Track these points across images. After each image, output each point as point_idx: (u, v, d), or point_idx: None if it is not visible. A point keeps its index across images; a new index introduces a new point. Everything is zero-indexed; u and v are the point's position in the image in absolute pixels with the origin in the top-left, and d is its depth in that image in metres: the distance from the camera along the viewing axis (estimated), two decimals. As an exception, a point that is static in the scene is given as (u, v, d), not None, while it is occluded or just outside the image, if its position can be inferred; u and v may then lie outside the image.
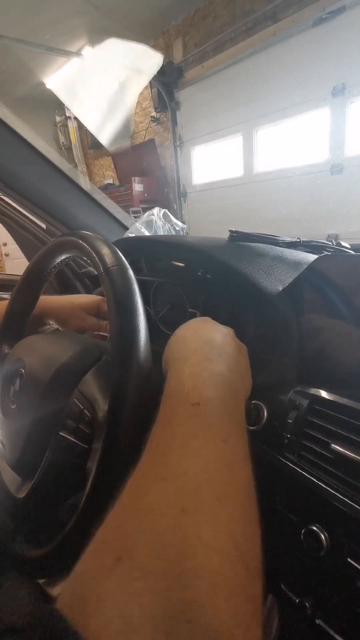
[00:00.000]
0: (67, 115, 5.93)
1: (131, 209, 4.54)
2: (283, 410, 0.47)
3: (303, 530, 0.40)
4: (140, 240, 0.61)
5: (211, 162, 4.28)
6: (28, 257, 1.25)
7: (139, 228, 0.83)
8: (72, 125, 5.92)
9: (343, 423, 0.41)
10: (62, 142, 6.39)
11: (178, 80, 4.18)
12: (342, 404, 0.42)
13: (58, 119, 6.09)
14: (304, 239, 0.60)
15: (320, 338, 0.50)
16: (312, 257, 0.62)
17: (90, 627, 0.17)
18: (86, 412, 0.38)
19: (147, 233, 0.84)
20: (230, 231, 0.58)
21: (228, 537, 0.21)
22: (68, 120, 5.91)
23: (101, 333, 0.69)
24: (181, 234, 0.94)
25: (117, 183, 5.73)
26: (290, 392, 0.48)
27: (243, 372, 0.39)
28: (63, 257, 0.51)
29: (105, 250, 0.43)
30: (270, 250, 0.59)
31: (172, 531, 0.20)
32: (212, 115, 3.94)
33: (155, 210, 0.85)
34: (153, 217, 0.83)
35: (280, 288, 0.50)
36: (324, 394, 0.44)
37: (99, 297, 0.68)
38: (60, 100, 5.02)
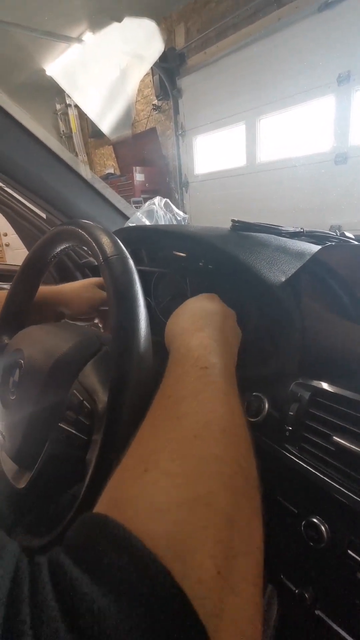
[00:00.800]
0: (68, 103, 5.84)
1: (132, 199, 4.50)
2: (284, 402, 0.47)
3: (303, 522, 0.40)
4: (140, 229, 0.60)
5: (213, 151, 4.22)
6: (28, 247, 1.24)
7: (139, 218, 0.82)
8: (72, 113, 5.83)
9: (345, 415, 0.41)
10: (63, 131, 6.31)
11: (180, 67, 4.10)
12: (344, 396, 0.42)
13: (58, 106, 6.01)
14: (308, 229, 0.59)
15: (323, 329, 0.50)
16: (315, 248, 0.62)
17: (125, 515, 0.20)
18: (86, 403, 0.38)
19: (148, 223, 0.83)
20: (233, 221, 0.57)
21: (232, 457, 0.25)
22: (68, 108, 5.83)
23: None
24: (182, 224, 0.93)
25: (118, 173, 5.67)
26: (291, 384, 0.47)
27: (236, 341, 0.45)
28: (62, 246, 0.50)
29: (105, 240, 0.42)
30: (273, 240, 0.58)
31: (189, 447, 0.25)
32: (215, 103, 3.88)
33: (157, 199, 0.84)
34: (154, 206, 0.82)
35: (283, 279, 0.49)
36: (325, 386, 0.44)
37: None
38: (60, 88, 4.93)
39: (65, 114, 5.90)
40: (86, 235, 0.45)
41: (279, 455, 0.44)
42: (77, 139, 6.21)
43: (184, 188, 4.58)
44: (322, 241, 0.62)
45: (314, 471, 0.40)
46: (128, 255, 0.41)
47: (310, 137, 3.21)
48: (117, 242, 0.43)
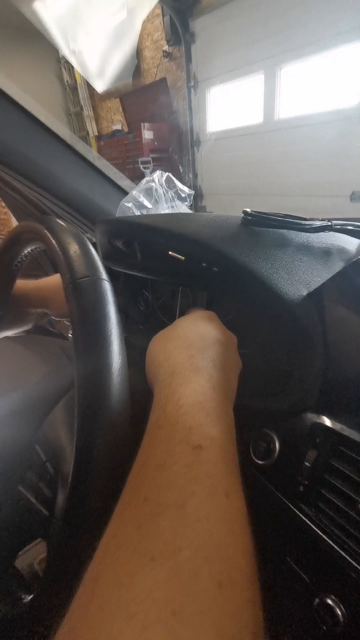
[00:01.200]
0: (72, 49, 5.38)
1: (140, 159, 4.24)
2: (299, 445, 0.39)
3: (316, 601, 0.34)
4: (131, 223, 0.49)
5: (228, 106, 3.88)
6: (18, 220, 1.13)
7: (136, 197, 0.70)
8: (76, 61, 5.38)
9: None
10: (67, 81, 5.89)
11: (193, 6, 3.67)
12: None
13: (62, 54, 5.54)
14: (336, 222, 0.48)
15: (353, 352, 0.40)
16: (347, 243, 0.51)
17: None
18: (49, 466, 0.30)
19: (146, 202, 0.71)
20: (245, 213, 0.46)
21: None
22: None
23: None
24: (187, 201, 0.81)
25: (125, 129, 5.33)
26: (309, 423, 0.39)
27: (236, 377, 0.36)
28: (28, 249, 0.40)
29: (74, 250, 0.33)
30: (294, 237, 0.47)
31: (168, 614, 0.16)
32: (231, 50, 3.49)
33: (156, 175, 0.72)
34: (153, 184, 0.70)
35: (305, 292, 0.39)
36: (353, 434, 0.35)
37: None
38: (63, 33, 4.52)
39: (69, 62, 5.44)
40: (52, 241, 0.35)
41: (290, 514, 0.36)
42: (82, 90, 5.79)
43: (195, 147, 4.27)
44: (355, 236, 0.51)
45: (330, 542, 0.33)
46: (105, 277, 0.32)
47: (336, 91, 2.88)
48: (92, 255, 0.33)
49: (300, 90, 3.17)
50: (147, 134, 4.36)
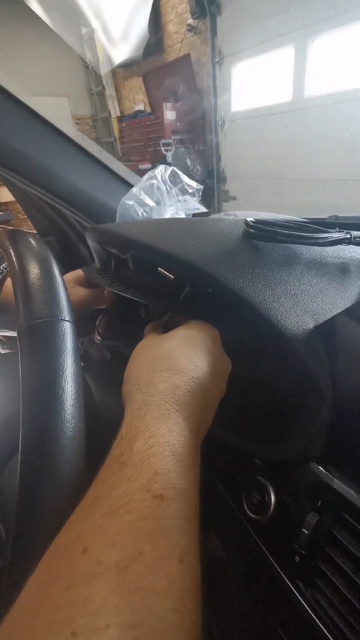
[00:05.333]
0: (94, 26, 5.21)
1: (162, 141, 4.11)
2: (298, 506, 0.33)
3: None
4: (118, 236, 0.44)
5: (254, 84, 3.66)
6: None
7: (137, 194, 0.64)
8: (98, 38, 5.22)
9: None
10: (89, 59, 5.73)
11: (220, -26, 3.45)
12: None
13: (84, 30, 5.38)
14: (356, 233, 0.41)
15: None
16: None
17: None
18: (1, 527, 0.26)
19: (148, 200, 0.65)
20: (247, 224, 0.39)
21: None
22: (94, 33, 5.21)
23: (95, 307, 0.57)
24: (195, 197, 0.74)
25: (148, 109, 5.18)
26: (310, 479, 0.33)
27: (206, 426, 0.30)
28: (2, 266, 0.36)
29: (33, 281, 0.28)
30: (305, 252, 0.40)
31: None
32: (259, 21, 3.26)
33: (159, 170, 0.65)
34: (155, 181, 0.63)
35: (311, 325, 0.33)
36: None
37: (81, 273, 0.57)
38: (84, 8, 4.39)
39: (91, 39, 5.29)
40: (14, 262, 0.30)
41: (283, 586, 0.31)
42: (105, 68, 5.64)
43: (219, 128, 4.09)
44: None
45: (326, 633, 0.28)
46: (67, 317, 0.27)
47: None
48: (56, 287, 0.28)
49: (334, 65, 2.93)
50: (170, 115, 4.21)
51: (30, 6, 3.53)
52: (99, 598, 0.15)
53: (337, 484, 0.31)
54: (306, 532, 0.31)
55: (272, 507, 0.34)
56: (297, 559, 0.31)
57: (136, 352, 0.33)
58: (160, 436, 0.23)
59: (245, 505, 0.36)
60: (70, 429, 0.23)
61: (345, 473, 0.32)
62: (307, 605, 0.30)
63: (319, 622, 0.28)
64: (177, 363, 0.29)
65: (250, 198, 4.03)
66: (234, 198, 4.32)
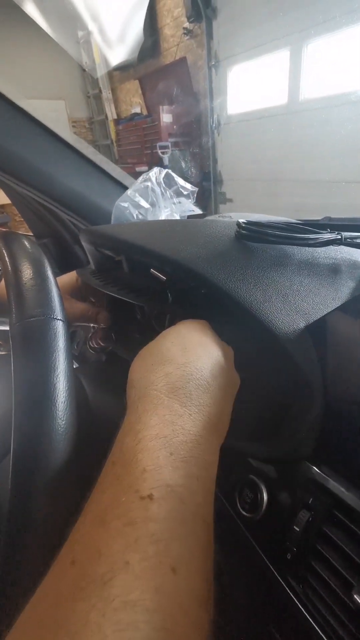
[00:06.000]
0: (90, 29, 5.23)
1: (158, 144, 4.13)
2: (289, 503, 0.34)
3: None
4: (111, 238, 0.44)
5: (250, 87, 3.68)
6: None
7: (131, 197, 0.65)
8: (95, 41, 5.23)
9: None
10: (85, 62, 5.75)
11: (216, -22, 3.48)
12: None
13: (80, 33, 5.40)
14: (347, 234, 0.41)
15: (357, 405, 0.34)
16: (356, 258, 0.44)
17: None
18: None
19: (142, 202, 0.66)
20: (239, 226, 0.40)
21: None
22: (91, 36, 5.23)
23: (91, 324, 0.57)
24: (190, 199, 0.75)
25: (145, 112, 5.20)
26: (302, 477, 0.34)
27: (225, 419, 0.28)
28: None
29: (27, 281, 0.28)
30: (297, 253, 0.41)
31: None
32: (255, 25, 3.28)
33: (153, 172, 0.66)
34: (149, 183, 0.64)
35: (302, 325, 0.33)
36: (350, 498, 0.30)
37: (75, 275, 0.55)
38: (81, 12, 4.40)
39: (88, 42, 5.31)
40: (7, 263, 0.31)
41: (276, 585, 0.32)
42: (101, 71, 5.65)
43: (215, 131, 4.11)
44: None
45: (319, 632, 0.28)
46: (60, 316, 0.27)
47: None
48: (49, 287, 0.28)
49: (329, 68, 2.96)
50: (166, 118, 4.22)
51: (27, 11, 3.54)
52: (82, 617, 0.14)
53: (328, 482, 0.32)
54: (297, 529, 0.31)
55: (264, 505, 0.35)
56: (288, 556, 0.31)
57: (137, 355, 0.31)
58: (150, 428, 0.22)
59: (238, 504, 0.37)
60: (62, 425, 0.23)
61: (337, 471, 0.33)
62: (298, 601, 0.30)
63: (309, 618, 0.29)
64: (167, 353, 0.28)
65: (247, 200, 4.05)
66: (231, 200, 4.33)
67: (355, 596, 0.26)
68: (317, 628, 0.28)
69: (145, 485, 0.19)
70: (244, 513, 0.36)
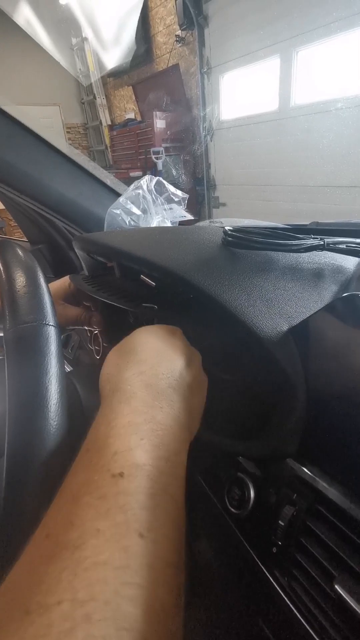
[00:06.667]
0: (84, 36, 5.28)
1: (152, 149, 4.16)
2: (274, 499, 0.35)
3: None
4: (102, 245, 0.46)
5: (242, 93, 3.73)
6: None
7: (123, 204, 0.66)
8: (89, 48, 5.28)
9: (356, 547, 0.29)
10: (80, 69, 5.79)
11: (207, -13, 3.53)
12: (358, 520, 0.29)
13: (74, 41, 5.45)
14: (330, 240, 0.43)
15: (339, 404, 0.36)
16: (343, 262, 0.46)
17: None
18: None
19: (134, 209, 0.67)
20: (225, 233, 0.41)
21: None
22: (85, 43, 5.27)
23: (85, 327, 0.58)
24: (181, 205, 0.76)
25: (138, 118, 5.24)
26: (287, 474, 0.35)
27: (195, 416, 0.31)
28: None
29: (19, 289, 0.30)
30: (281, 258, 0.42)
31: None
32: (246, 32, 3.34)
33: (144, 180, 0.67)
34: (140, 191, 0.65)
35: (285, 327, 0.35)
36: (332, 493, 0.31)
37: (68, 280, 0.57)
38: (75, 18, 4.45)
39: (82, 49, 5.35)
40: (0, 269, 0.32)
41: (263, 579, 0.33)
42: (95, 77, 5.70)
43: (208, 136, 4.16)
44: (353, 255, 0.46)
45: (303, 622, 0.29)
46: (52, 322, 0.28)
47: (357, 74, 2.72)
48: (41, 294, 0.30)
49: (319, 75, 3.01)
50: (160, 123, 4.26)
51: (19, 23, 3.56)
52: (54, 577, 0.16)
53: (311, 478, 0.33)
54: (282, 524, 0.33)
55: (251, 502, 0.36)
56: (274, 549, 0.33)
57: (110, 352, 0.34)
58: (123, 417, 0.24)
59: (226, 501, 0.38)
60: (54, 426, 0.24)
61: (320, 468, 0.34)
62: (283, 593, 0.31)
63: (294, 609, 0.30)
64: (141, 354, 0.30)
65: (240, 204, 4.09)
66: (224, 204, 4.37)
67: (336, 586, 0.28)
68: (301, 618, 0.29)
69: (116, 465, 0.21)
70: (232, 510, 0.37)
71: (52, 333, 0.28)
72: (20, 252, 0.35)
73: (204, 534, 0.41)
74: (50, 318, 0.29)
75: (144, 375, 0.28)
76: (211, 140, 4.16)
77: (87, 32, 4.85)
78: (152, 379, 0.28)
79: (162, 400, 0.27)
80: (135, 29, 4.24)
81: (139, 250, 0.40)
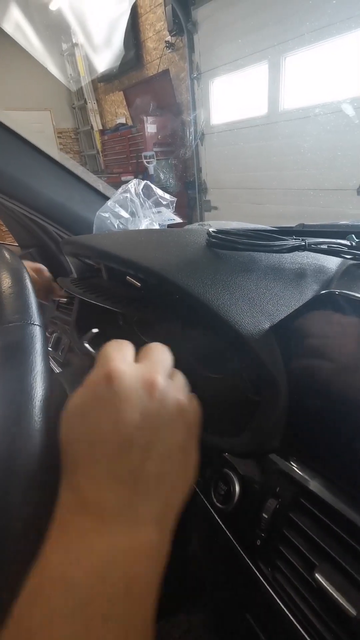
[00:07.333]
0: (75, 42, 5.30)
1: (143, 153, 4.18)
2: (259, 493, 0.36)
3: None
4: (89, 247, 0.46)
5: (231, 98, 3.77)
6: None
7: (112, 207, 0.67)
8: (79, 53, 5.30)
9: (339, 539, 0.30)
10: (70, 75, 5.81)
11: (196, -6, 3.58)
12: (338, 511, 0.30)
13: (64, 46, 5.47)
14: (312, 241, 0.44)
15: (319, 399, 0.37)
16: (325, 262, 0.47)
17: None
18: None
19: (122, 213, 0.68)
20: (208, 235, 0.42)
21: None
22: (75, 48, 5.30)
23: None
24: (169, 209, 0.77)
25: (129, 123, 5.26)
26: (271, 468, 0.36)
27: (182, 473, 0.29)
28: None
29: (5, 289, 0.30)
30: (264, 259, 0.43)
31: None
32: (234, 38, 3.39)
33: (132, 184, 0.68)
34: (128, 194, 0.66)
35: (267, 325, 0.36)
36: (315, 486, 0.32)
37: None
38: (66, 25, 4.45)
39: (72, 54, 5.37)
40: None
41: (248, 572, 0.34)
42: (86, 83, 5.72)
43: (199, 141, 4.19)
44: (333, 255, 0.47)
45: (287, 612, 0.30)
46: (37, 322, 0.29)
47: (344, 80, 2.77)
48: (26, 295, 0.30)
49: (306, 80, 3.06)
50: (151, 128, 4.29)
51: (8, 32, 3.55)
52: None
53: (295, 472, 0.34)
54: (266, 516, 0.33)
55: (236, 497, 0.37)
56: (258, 542, 0.33)
57: (69, 411, 0.25)
58: (52, 569, 0.20)
59: (213, 496, 0.39)
60: (39, 422, 0.25)
61: (303, 462, 0.35)
62: (267, 584, 0.32)
63: (278, 600, 0.31)
64: (104, 433, 0.24)
65: (231, 208, 4.12)
66: (216, 208, 4.40)
67: (316, 575, 0.28)
68: (284, 608, 0.30)
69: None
70: (218, 505, 0.38)
71: (37, 332, 0.28)
72: (6, 255, 0.36)
73: (192, 529, 0.41)
74: (35, 318, 0.29)
75: (93, 452, 0.23)
76: (202, 145, 4.19)
77: (78, 36, 4.86)
78: (116, 452, 0.24)
79: (114, 507, 0.23)
80: (123, 32, 4.26)
81: (124, 252, 0.41)
